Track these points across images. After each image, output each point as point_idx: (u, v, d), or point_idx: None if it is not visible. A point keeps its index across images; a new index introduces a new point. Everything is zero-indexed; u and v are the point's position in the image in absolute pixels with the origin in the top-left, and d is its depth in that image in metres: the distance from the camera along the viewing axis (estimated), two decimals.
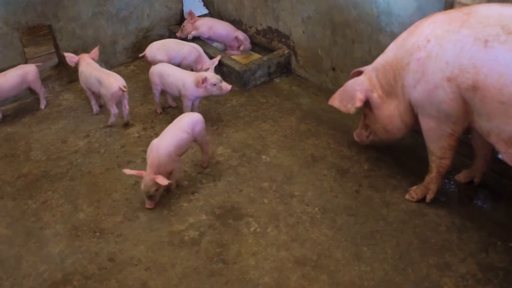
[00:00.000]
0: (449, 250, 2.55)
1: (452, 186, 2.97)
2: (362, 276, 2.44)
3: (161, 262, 2.57)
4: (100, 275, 2.51)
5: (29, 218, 2.89)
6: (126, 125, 3.70)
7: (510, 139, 2.27)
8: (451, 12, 2.46)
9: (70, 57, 3.86)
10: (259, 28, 4.52)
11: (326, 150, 3.34)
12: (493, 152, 2.76)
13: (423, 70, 2.47)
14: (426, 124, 2.61)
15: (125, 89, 3.52)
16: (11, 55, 3.96)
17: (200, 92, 3.47)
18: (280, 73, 4.30)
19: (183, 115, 3.09)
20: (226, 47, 4.70)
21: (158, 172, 2.77)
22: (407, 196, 2.88)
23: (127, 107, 3.63)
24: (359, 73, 3.02)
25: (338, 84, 3.85)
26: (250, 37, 4.62)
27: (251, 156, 3.32)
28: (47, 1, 4.01)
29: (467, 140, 2.85)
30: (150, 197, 2.84)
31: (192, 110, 3.53)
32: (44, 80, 4.23)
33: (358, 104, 2.86)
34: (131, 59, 4.67)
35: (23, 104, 4.00)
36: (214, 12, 5.01)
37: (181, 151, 2.97)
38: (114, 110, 3.61)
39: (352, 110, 2.92)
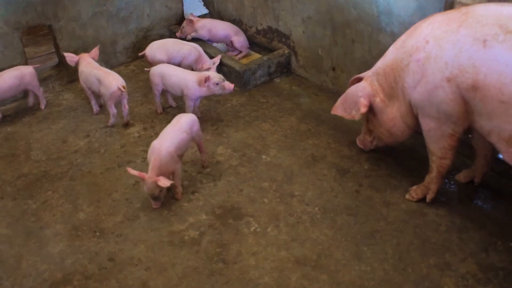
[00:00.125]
0: (449, 250, 2.55)
1: (452, 186, 2.97)
2: (362, 276, 2.44)
3: (161, 262, 2.57)
4: (100, 275, 2.51)
5: (29, 218, 2.89)
6: (126, 125, 3.70)
7: (510, 139, 2.27)
8: (449, 13, 2.47)
9: (70, 57, 3.86)
10: (259, 28, 4.52)
11: (326, 150, 3.34)
12: (494, 152, 2.76)
13: (423, 71, 2.47)
14: (427, 125, 2.61)
15: (124, 89, 3.52)
16: (11, 55, 3.96)
17: (203, 91, 3.47)
18: (280, 73, 4.30)
19: (180, 115, 3.08)
20: (228, 48, 4.71)
21: (160, 174, 2.77)
22: (407, 196, 2.88)
23: (127, 106, 3.63)
24: (358, 79, 3.03)
25: (338, 84, 3.86)
26: (250, 37, 4.62)
27: (251, 156, 3.32)
28: (47, 1, 4.01)
29: (468, 140, 2.85)
30: (155, 198, 2.84)
31: (193, 110, 3.53)
32: (44, 80, 4.24)
33: (363, 110, 2.86)
34: (131, 59, 4.67)
35: (23, 104, 3.99)
36: (214, 12, 5.01)
37: (181, 152, 2.97)
38: (112, 110, 3.61)
39: (357, 116, 2.93)
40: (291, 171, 3.16)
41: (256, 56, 4.54)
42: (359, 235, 2.66)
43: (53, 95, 4.16)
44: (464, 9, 2.39)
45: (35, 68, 3.85)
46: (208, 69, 3.88)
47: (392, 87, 2.77)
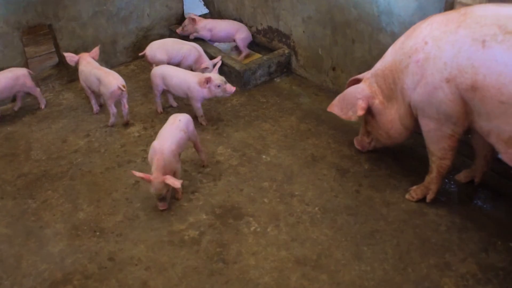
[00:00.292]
0: (449, 250, 2.55)
1: (452, 186, 2.97)
2: (362, 276, 2.43)
3: (161, 261, 2.57)
4: (100, 274, 2.51)
5: (29, 217, 2.89)
6: (126, 124, 3.70)
7: (509, 139, 2.27)
8: (448, 14, 2.47)
9: (70, 57, 3.86)
10: (260, 27, 4.52)
11: (326, 150, 3.34)
12: (494, 152, 2.76)
13: (422, 72, 2.47)
14: (426, 126, 2.61)
15: (124, 89, 3.52)
16: (11, 55, 3.96)
17: (205, 93, 3.47)
18: (280, 73, 4.30)
19: (175, 115, 3.08)
20: (231, 48, 4.72)
21: (164, 173, 2.76)
22: (407, 196, 2.88)
23: (127, 106, 3.63)
24: (356, 80, 3.03)
25: (338, 84, 3.86)
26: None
27: (251, 156, 3.32)
28: (47, 0, 4.01)
29: (468, 140, 2.84)
30: (163, 198, 2.81)
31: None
32: (44, 79, 4.24)
33: (361, 112, 2.86)
34: (131, 58, 4.67)
35: (23, 104, 3.99)
36: (214, 12, 5.00)
37: (181, 150, 2.98)
38: (112, 109, 3.61)
39: (353, 117, 2.93)
40: (291, 171, 3.16)
41: (256, 56, 4.54)
42: (359, 235, 2.66)
43: (53, 94, 4.16)
44: (462, 10, 2.39)
45: (29, 71, 3.83)
46: (205, 69, 3.88)
47: (391, 89, 2.78)
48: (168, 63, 3.93)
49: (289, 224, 2.76)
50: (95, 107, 3.87)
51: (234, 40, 4.51)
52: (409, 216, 2.77)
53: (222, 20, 4.66)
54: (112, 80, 3.54)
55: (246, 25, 4.64)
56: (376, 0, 3.30)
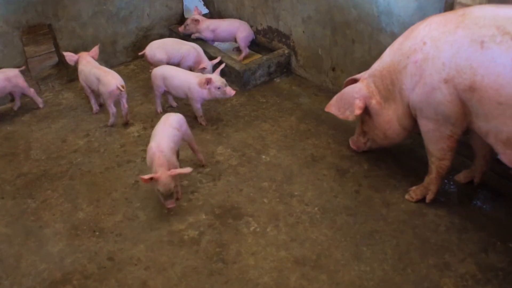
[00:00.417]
0: (448, 250, 2.55)
1: (451, 186, 2.97)
2: (362, 276, 2.44)
3: (161, 261, 2.57)
4: (99, 274, 2.51)
5: (28, 217, 2.89)
6: (126, 124, 3.70)
7: (508, 140, 2.27)
8: (446, 14, 2.47)
9: (69, 56, 3.86)
10: (259, 27, 4.52)
11: (326, 150, 3.34)
12: (493, 152, 2.76)
13: (421, 72, 2.47)
14: (425, 126, 2.61)
15: (123, 89, 3.52)
16: (11, 54, 3.96)
17: (205, 94, 3.47)
18: (280, 73, 4.30)
19: (167, 114, 3.08)
20: (233, 49, 4.72)
21: (168, 169, 2.71)
22: (406, 196, 2.88)
23: (126, 105, 3.63)
24: (353, 80, 3.03)
25: (338, 84, 3.86)
26: None
27: (251, 156, 3.32)
28: (47, 0, 4.01)
29: (467, 140, 2.84)
30: (171, 195, 2.73)
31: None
32: (44, 79, 4.24)
33: (358, 112, 2.87)
34: (131, 58, 4.67)
35: (23, 103, 3.99)
36: (214, 12, 5.00)
37: (177, 148, 2.98)
38: (112, 109, 3.61)
39: (350, 117, 2.93)
40: (290, 171, 3.16)
41: (256, 56, 4.53)
42: (358, 235, 2.66)
43: (53, 94, 4.16)
44: (461, 11, 2.39)
45: (22, 69, 3.82)
46: (203, 69, 3.88)
47: (389, 90, 2.78)
48: (168, 63, 3.93)
49: (289, 224, 2.76)
50: (95, 107, 3.87)
51: (235, 39, 4.51)
52: (409, 217, 2.77)
53: (224, 19, 4.65)
54: (111, 80, 3.54)
55: None
56: (376, 1, 3.30)
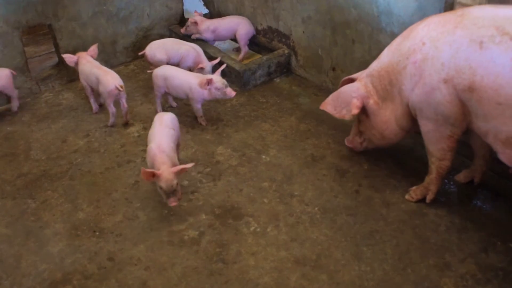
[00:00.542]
0: (448, 250, 2.55)
1: (452, 186, 2.97)
2: (362, 276, 2.44)
3: (161, 261, 2.57)
4: (99, 274, 2.51)
5: (28, 217, 2.89)
6: (126, 124, 3.70)
7: (507, 140, 2.27)
8: (445, 15, 2.47)
9: (69, 58, 3.86)
10: (259, 27, 4.52)
11: (326, 150, 3.34)
12: (492, 151, 2.75)
13: (420, 72, 2.47)
14: (425, 127, 2.61)
15: (121, 89, 3.52)
16: (11, 54, 3.96)
17: (205, 94, 3.47)
18: (280, 73, 4.30)
19: (160, 114, 3.10)
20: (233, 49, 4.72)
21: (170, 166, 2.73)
22: (407, 196, 2.88)
23: (126, 105, 3.63)
24: (350, 80, 3.02)
25: (338, 84, 3.84)
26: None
27: (251, 156, 3.32)
28: (47, 0, 4.01)
29: (467, 140, 2.84)
30: (174, 192, 2.70)
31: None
32: (44, 79, 4.25)
33: (355, 111, 2.86)
34: (131, 58, 4.67)
35: (23, 103, 3.99)
36: (214, 12, 5.00)
37: (175, 145, 2.98)
38: (112, 109, 3.61)
39: (347, 116, 2.93)
40: (290, 171, 3.16)
41: (256, 56, 4.54)
42: (358, 235, 2.67)
43: (53, 94, 4.16)
44: (460, 11, 2.39)
45: (12, 71, 3.82)
46: (201, 70, 3.87)
47: (387, 90, 2.78)
48: (168, 63, 3.93)
49: (289, 224, 2.76)
50: (95, 107, 3.87)
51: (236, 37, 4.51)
52: (409, 217, 2.77)
53: (224, 18, 4.63)
54: (110, 80, 3.54)
55: None
56: (376, 1, 3.30)
